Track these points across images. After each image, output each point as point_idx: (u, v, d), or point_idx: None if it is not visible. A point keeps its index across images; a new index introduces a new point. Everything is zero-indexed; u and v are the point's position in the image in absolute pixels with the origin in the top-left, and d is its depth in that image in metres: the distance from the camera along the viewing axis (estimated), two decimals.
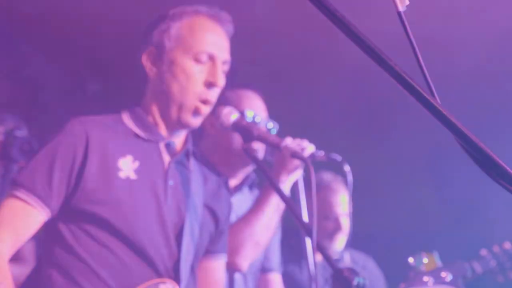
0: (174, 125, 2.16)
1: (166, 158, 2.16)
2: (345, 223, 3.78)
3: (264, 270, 3.11)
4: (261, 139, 2.03)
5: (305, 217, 2.65)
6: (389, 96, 4.26)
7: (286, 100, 5.28)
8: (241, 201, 2.93)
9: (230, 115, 2.11)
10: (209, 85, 2.11)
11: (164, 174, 2.13)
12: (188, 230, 2.12)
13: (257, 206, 2.78)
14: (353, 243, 3.92)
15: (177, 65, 2.11)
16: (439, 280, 2.70)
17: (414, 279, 2.71)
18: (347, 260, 3.97)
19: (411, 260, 2.87)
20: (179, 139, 2.21)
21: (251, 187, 3.03)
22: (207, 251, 2.29)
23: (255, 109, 2.86)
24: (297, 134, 3.10)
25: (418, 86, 1.20)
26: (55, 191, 1.99)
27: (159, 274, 2.05)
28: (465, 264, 2.77)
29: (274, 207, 2.69)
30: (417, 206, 5.12)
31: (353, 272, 1.76)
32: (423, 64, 1.25)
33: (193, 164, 2.25)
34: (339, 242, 3.80)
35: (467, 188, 5.32)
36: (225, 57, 2.17)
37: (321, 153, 2.84)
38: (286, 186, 2.74)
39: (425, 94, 1.21)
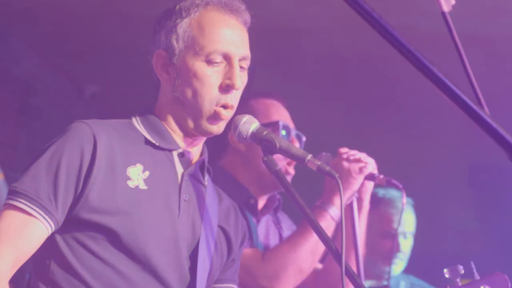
0: (192, 133, 1.95)
1: (180, 169, 1.95)
2: (404, 243, 3.56)
3: None
4: (283, 151, 1.83)
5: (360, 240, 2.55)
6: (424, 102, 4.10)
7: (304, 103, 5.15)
8: (265, 224, 2.76)
9: (250, 124, 1.90)
10: (226, 88, 1.89)
11: (177, 186, 1.92)
12: (204, 251, 1.92)
13: (303, 228, 2.55)
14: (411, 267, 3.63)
15: (189, 70, 1.89)
16: None
17: None
18: None
19: (445, 271, 2.68)
20: (195, 150, 2.00)
21: (276, 210, 2.83)
22: (216, 279, 2.05)
23: (284, 120, 2.71)
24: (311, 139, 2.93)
25: (463, 95, 1.07)
26: (60, 201, 1.77)
27: None
28: (505, 276, 2.57)
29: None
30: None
31: None
32: (470, 70, 1.12)
33: (207, 179, 2.05)
34: (396, 265, 3.51)
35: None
36: (243, 53, 1.92)
37: (381, 176, 2.60)
38: (332, 207, 2.54)
39: (471, 104, 1.08)
